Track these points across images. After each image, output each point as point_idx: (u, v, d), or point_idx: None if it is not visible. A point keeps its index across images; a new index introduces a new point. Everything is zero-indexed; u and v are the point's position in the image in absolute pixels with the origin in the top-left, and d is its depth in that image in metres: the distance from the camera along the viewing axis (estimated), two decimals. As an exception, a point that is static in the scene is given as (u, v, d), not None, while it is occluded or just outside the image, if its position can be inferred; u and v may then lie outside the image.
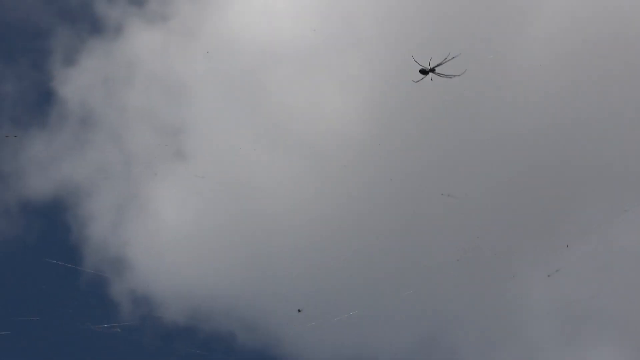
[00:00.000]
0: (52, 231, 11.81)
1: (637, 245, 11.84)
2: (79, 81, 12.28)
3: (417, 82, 10.30)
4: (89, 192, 11.95)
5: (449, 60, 9.99)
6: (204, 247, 12.12)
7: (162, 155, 12.26)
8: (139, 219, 12.23)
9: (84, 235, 11.66)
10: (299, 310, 10.74)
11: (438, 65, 10.06)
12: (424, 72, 10.14)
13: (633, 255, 11.74)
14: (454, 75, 10.22)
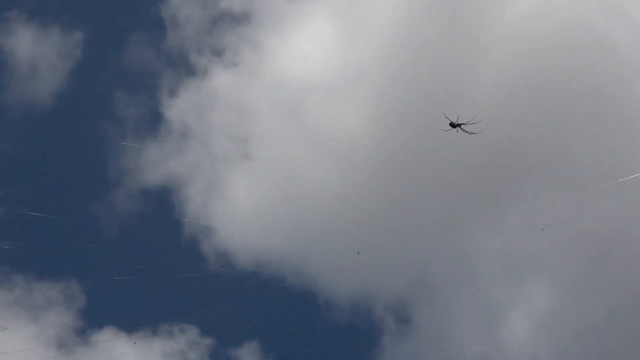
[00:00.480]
0: (162, 208, 18.35)
1: (562, 211, 17.50)
2: (179, 107, 19.03)
3: (446, 131, 13.58)
4: (187, 181, 18.28)
5: (472, 123, 12.89)
6: (264, 216, 18.67)
7: (235, 157, 18.80)
8: (220, 199, 18.82)
9: (184, 211, 17.90)
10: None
11: (464, 124, 13.11)
12: (452, 125, 13.21)
13: (560, 218, 17.36)
14: (473, 134, 13.43)
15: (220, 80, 20.91)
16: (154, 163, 19.22)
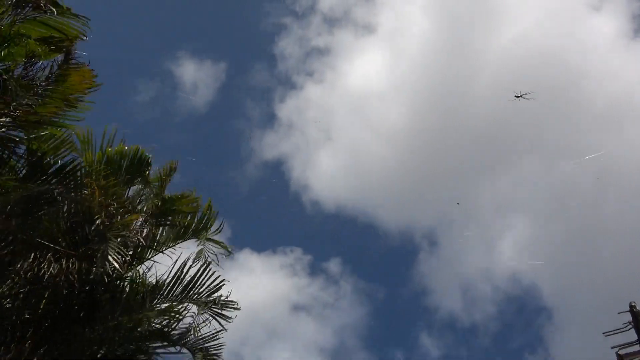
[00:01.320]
0: (277, 174, 33.97)
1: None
2: (286, 109, 36.13)
3: (511, 100, 19.61)
4: (292, 156, 37.42)
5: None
6: (342, 177, 35.25)
7: (321, 140, 34.78)
8: (313, 167, 35.78)
9: (290, 175, 34.31)
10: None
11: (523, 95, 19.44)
12: (517, 96, 19.55)
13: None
14: (531, 99, 19.21)
15: (312, 92, 35.14)
16: (271, 145, 33.82)
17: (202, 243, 9.77)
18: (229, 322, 8.94)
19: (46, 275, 7.29)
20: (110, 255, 8.16)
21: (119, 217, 7.87)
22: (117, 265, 7.89)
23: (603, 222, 32.72)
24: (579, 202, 31.98)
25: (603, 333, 10.91)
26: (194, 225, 8.98)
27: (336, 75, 37.48)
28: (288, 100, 38.54)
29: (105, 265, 8.27)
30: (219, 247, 9.56)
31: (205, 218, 9.13)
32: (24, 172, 7.69)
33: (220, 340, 8.99)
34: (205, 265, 8.91)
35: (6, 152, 7.41)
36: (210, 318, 8.87)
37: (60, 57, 7.50)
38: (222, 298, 8.96)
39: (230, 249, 9.64)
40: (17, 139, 7.40)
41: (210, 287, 8.93)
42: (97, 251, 8.15)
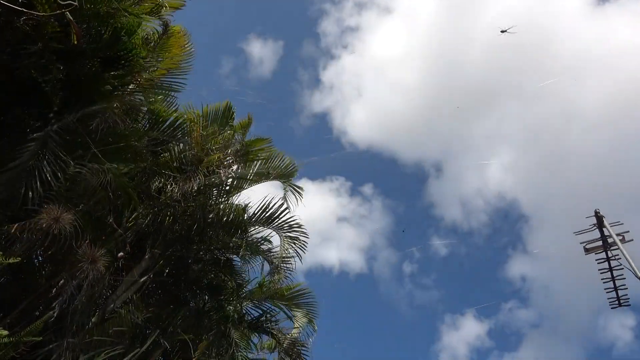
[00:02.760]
0: (323, 122, 46.84)
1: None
2: (329, 75, 50.02)
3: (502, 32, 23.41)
4: (334, 109, 48.16)
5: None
6: (371, 123, 48.52)
7: (355, 95, 48.24)
8: (349, 116, 48.82)
9: (334, 124, 47.33)
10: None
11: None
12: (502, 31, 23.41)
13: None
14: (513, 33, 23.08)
15: (346, 60, 49.42)
16: (318, 102, 47.90)
17: (285, 187, 12.37)
18: (303, 250, 11.58)
19: (171, 193, 10.24)
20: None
21: (215, 156, 10.67)
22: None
23: (569, 147, 44.11)
24: (549, 133, 43.74)
25: (574, 232, 13.55)
26: (270, 167, 11.70)
27: (364, 47, 52.59)
28: (329, 67, 53.22)
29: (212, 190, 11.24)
30: (292, 187, 12.18)
31: (284, 164, 11.84)
32: (147, 126, 10.67)
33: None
34: (283, 202, 11.57)
35: (133, 113, 10.42)
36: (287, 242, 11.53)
37: (160, 26, 9.86)
38: (296, 225, 11.55)
39: (300, 190, 12.16)
40: (140, 102, 10.36)
41: (288, 220, 11.61)
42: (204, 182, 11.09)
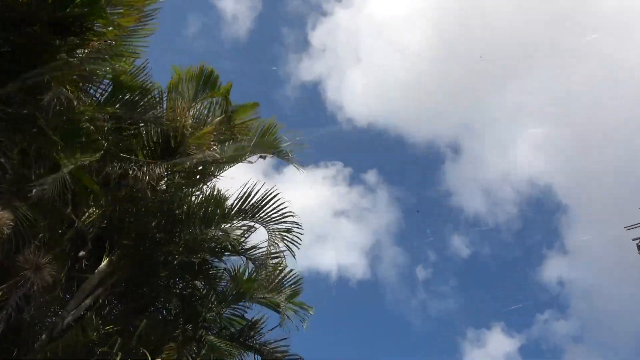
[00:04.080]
0: (315, 93, 37.93)
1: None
2: (320, 33, 39.40)
3: None
4: (327, 77, 41.13)
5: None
6: (372, 95, 38.04)
7: (351, 67, 39.51)
8: (345, 85, 39.22)
9: (326, 96, 39.06)
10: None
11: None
12: None
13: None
14: None
15: (341, 17, 38.84)
16: (306, 68, 38.15)
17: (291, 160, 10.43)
18: (297, 246, 9.81)
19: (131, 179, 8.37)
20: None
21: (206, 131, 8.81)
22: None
23: (615, 121, 34.41)
24: (591, 103, 34.51)
25: (624, 227, 11.74)
26: (256, 137, 9.81)
27: (362, 0, 41.59)
28: (319, 26, 41.99)
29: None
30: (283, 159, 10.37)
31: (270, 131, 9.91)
32: (104, 97, 8.74)
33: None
34: (272, 193, 9.78)
35: (90, 84, 8.48)
36: (277, 239, 9.76)
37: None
38: (289, 216, 9.81)
39: (296, 165, 10.27)
40: (102, 72, 8.45)
41: (277, 210, 9.85)
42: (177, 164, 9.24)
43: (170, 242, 9.77)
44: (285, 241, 9.56)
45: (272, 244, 9.60)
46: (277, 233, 9.57)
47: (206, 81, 9.39)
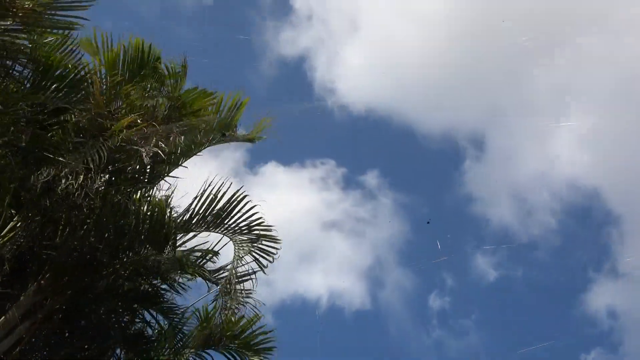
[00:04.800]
0: (298, 72, 27.32)
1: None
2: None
3: None
4: (315, 53, 28.32)
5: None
6: (371, 75, 26.88)
7: (347, 38, 28.52)
8: (339, 64, 27.58)
9: (314, 76, 27.03)
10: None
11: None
12: None
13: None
14: None
15: None
16: (289, 40, 27.89)
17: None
18: (270, 261, 8.20)
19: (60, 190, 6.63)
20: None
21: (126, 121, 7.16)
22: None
23: None
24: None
25: None
26: (216, 123, 8.14)
27: None
28: None
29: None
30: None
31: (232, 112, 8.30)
32: (29, 83, 7.01)
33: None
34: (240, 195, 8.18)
35: (9, 61, 6.71)
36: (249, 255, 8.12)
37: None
38: (260, 224, 8.18)
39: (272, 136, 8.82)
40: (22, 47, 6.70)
41: (246, 216, 8.21)
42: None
43: (111, 263, 7.97)
44: (254, 255, 7.91)
45: (239, 260, 7.93)
46: (248, 247, 7.91)
47: (147, 60, 7.71)
